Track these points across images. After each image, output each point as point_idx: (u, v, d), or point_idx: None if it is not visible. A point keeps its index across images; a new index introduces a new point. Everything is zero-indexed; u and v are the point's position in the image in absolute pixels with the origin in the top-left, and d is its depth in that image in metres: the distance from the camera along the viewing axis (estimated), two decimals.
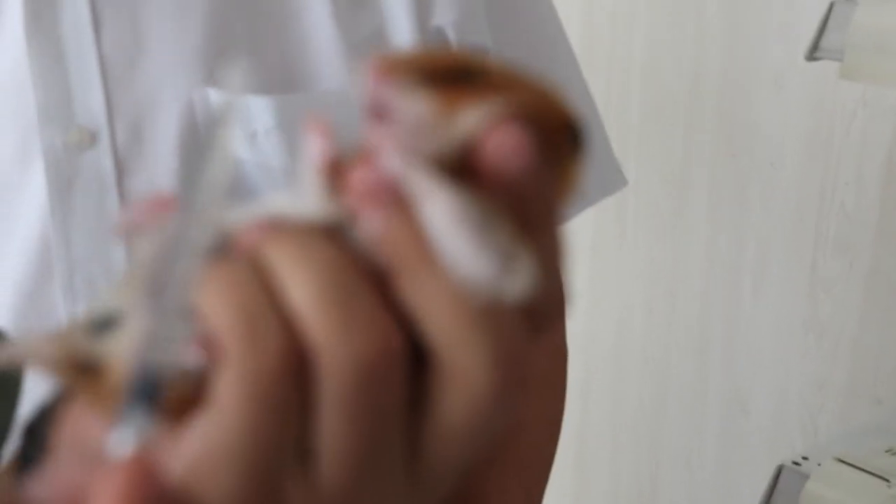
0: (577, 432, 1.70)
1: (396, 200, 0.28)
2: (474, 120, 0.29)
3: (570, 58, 0.78)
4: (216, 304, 0.28)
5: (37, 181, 0.59)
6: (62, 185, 0.59)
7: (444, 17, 0.68)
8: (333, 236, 0.29)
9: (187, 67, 0.62)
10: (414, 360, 0.28)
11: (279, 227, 0.29)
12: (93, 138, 0.60)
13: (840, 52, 0.93)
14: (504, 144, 0.28)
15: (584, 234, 1.63)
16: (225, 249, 0.30)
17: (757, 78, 1.46)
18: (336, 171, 0.29)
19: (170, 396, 0.28)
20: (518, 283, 0.28)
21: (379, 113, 0.29)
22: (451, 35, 0.68)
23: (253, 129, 0.61)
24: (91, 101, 0.61)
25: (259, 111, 0.60)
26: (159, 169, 0.60)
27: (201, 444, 0.28)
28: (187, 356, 0.28)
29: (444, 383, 0.28)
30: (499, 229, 0.28)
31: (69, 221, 0.59)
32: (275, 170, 0.61)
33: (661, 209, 1.58)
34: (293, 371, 0.27)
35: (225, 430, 0.27)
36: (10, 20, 0.60)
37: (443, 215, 0.28)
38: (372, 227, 0.29)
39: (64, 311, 0.59)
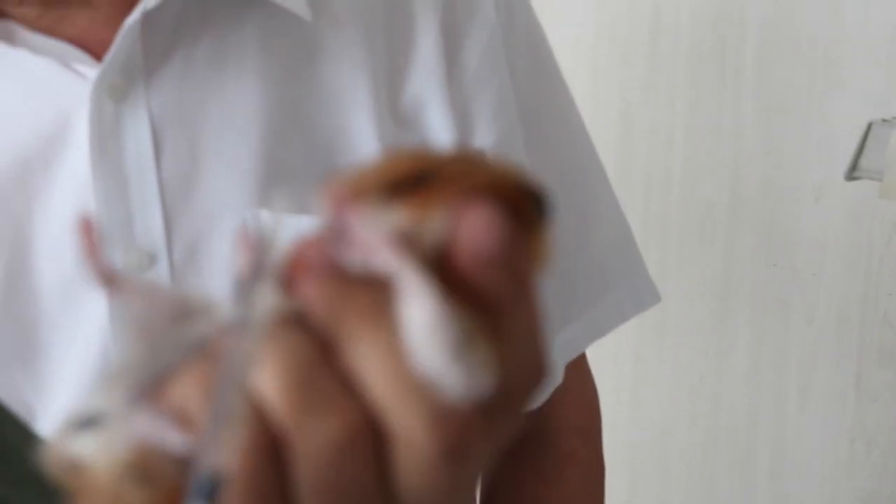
0: None
1: (331, 272, 0.30)
2: (441, 220, 0.29)
3: (602, 179, 0.80)
4: (190, 398, 0.30)
5: (97, 301, 0.61)
6: (122, 306, 0.61)
7: (484, 139, 0.71)
8: (296, 324, 0.30)
9: (242, 190, 0.65)
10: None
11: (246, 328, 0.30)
12: (151, 259, 0.63)
13: (879, 172, 0.94)
14: (476, 228, 0.29)
15: (627, 344, 1.63)
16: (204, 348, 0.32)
17: (796, 191, 1.48)
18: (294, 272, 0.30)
19: (165, 487, 0.30)
20: (476, 388, 0.29)
21: (343, 241, 0.30)
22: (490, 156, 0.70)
23: None
24: (150, 223, 0.63)
25: (308, 229, 0.62)
26: (214, 287, 0.62)
27: None
28: (166, 437, 0.30)
29: (398, 452, 0.30)
30: (477, 342, 0.29)
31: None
32: None
33: (702, 321, 1.58)
34: (266, 456, 0.29)
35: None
36: (76, 147, 0.63)
37: (422, 320, 0.29)
38: (310, 300, 0.30)
39: None
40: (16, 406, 0.56)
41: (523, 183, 0.31)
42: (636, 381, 1.65)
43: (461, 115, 0.70)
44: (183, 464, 0.30)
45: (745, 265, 1.54)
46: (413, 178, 0.30)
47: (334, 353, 0.30)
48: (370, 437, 0.30)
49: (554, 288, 0.75)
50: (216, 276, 0.63)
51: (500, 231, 0.29)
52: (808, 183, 1.47)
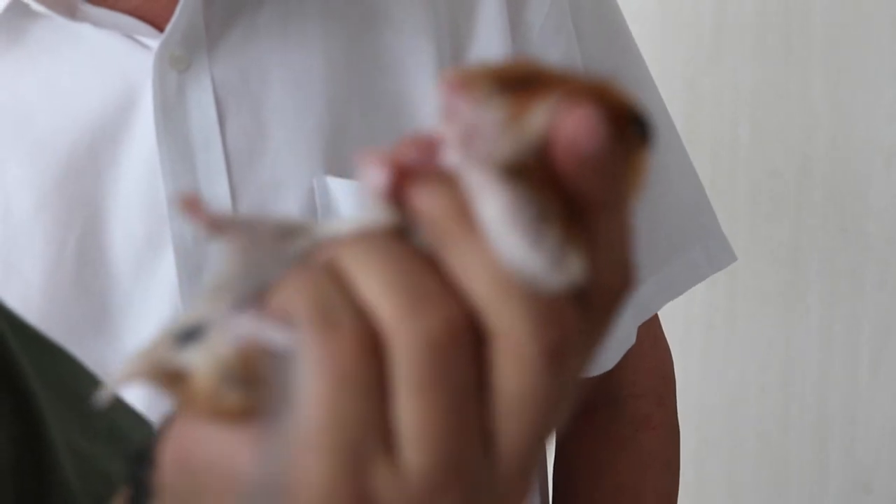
0: None
1: (439, 178, 0.30)
2: (545, 114, 0.30)
3: (674, 138, 0.79)
4: (293, 301, 0.30)
5: (167, 267, 0.62)
6: (192, 272, 0.62)
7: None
8: (397, 237, 0.31)
9: (306, 156, 0.65)
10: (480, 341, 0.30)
11: (349, 238, 0.31)
12: None
13: None
14: (576, 126, 0.29)
15: (697, 312, 1.62)
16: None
17: (866, 156, 1.46)
18: (397, 185, 0.31)
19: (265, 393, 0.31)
20: (565, 277, 0.30)
21: (453, 122, 0.30)
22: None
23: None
24: (217, 190, 0.64)
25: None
26: None
27: (291, 431, 0.29)
28: (271, 339, 0.31)
29: (498, 353, 0.30)
30: (552, 227, 0.29)
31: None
32: None
33: (772, 288, 1.57)
34: (367, 353, 0.29)
35: (311, 413, 0.29)
36: (142, 117, 0.64)
37: (496, 210, 0.29)
38: (416, 203, 0.30)
39: None
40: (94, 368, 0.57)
41: (629, 103, 0.31)
42: (706, 348, 1.64)
43: None
44: (284, 363, 0.30)
45: (815, 232, 1.52)
46: (524, 79, 0.30)
47: (438, 261, 0.30)
48: (471, 337, 0.30)
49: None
50: None
51: (599, 133, 0.29)
52: (878, 147, 1.45)
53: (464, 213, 0.30)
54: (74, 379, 0.50)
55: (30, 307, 0.59)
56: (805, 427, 1.57)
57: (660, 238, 0.77)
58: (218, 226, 0.33)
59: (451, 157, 0.30)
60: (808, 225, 1.53)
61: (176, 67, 0.64)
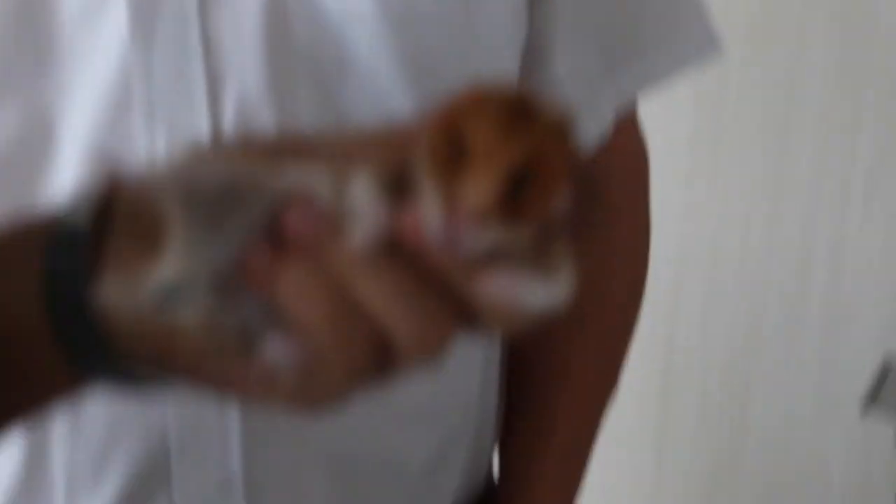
0: (665, 344, 1.64)
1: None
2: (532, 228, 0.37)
3: None
4: (299, 303, 0.35)
5: (118, 10, 0.57)
6: (145, 15, 0.57)
7: None
8: (394, 246, 0.36)
9: None
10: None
11: (330, 224, 0.36)
12: None
13: None
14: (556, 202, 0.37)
15: (680, 135, 1.56)
16: (272, 222, 0.36)
17: None
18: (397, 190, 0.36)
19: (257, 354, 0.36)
20: (559, 297, 0.37)
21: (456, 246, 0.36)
22: None
23: None
24: None
25: None
26: (242, 10, 0.57)
27: (306, 388, 0.37)
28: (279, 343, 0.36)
29: (482, 326, 0.37)
30: (554, 261, 0.37)
31: (150, 53, 0.57)
32: (364, 18, 0.58)
33: (767, 108, 1.50)
34: (377, 355, 0.36)
35: (324, 389, 0.37)
36: None
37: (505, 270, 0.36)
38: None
39: (143, 143, 0.57)
40: (35, 107, 0.56)
41: (563, 119, 0.36)
42: (689, 175, 1.58)
43: None
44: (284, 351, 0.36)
45: (817, 51, 1.46)
46: (514, 184, 0.35)
47: (439, 274, 0.36)
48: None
49: (614, 25, 0.70)
50: (243, 3, 0.57)
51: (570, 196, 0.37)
52: None
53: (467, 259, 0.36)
54: None
55: None
56: (790, 256, 1.53)
57: (646, 20, 0.72)
58: None
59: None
60: (809, 44, 1.46)
61: None
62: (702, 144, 1.57)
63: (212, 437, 0.60)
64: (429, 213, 0.35)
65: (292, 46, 0.57)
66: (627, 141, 0.76)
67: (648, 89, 0.73)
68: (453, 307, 0.36)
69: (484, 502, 0.76)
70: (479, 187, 0.34)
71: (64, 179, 0.57)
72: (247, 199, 0.36)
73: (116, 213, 0.37)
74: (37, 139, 0.57)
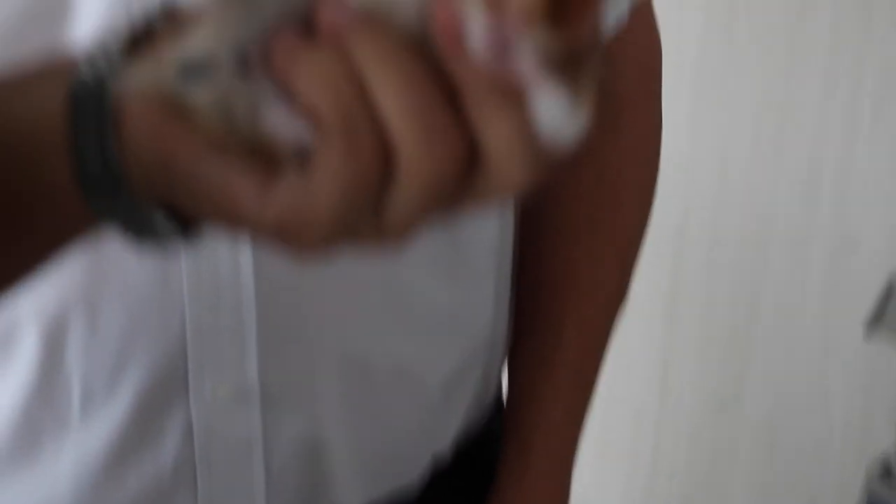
0: (672, 270, 1.64)
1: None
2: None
3: None
4: (315, 89, 0.34)
5: None
6: None
7: None
8: (419, 48, 0.34)
9: None
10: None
11: (366, 20, 0.34)
12: None
13: None
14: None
15: (688, 53, 1.53)
16: (307, 16, 0.34)
17: None
18: None
19: (268, 153, 0.35)
20: (577, 130, 0.34)
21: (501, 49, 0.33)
22: None
23: None
24: None
25: None
26: None
27: (298, 199, 0.35)
28: (292, 128, 0.34)
29: (485, 177, 0.35)
30: (583, 88, 0.34)
31: None
32: None
33: (777, 25, 1.48)
34: (380, 163, 0.34)
35: (321, 198, 0.34)
36: None
37: (549, 105, 0.34)
38: (452, 58, 0.33)
39: None
40: None
41: None
42: (696, 93, 1.56)
43: None
44: (297, 145, 0.35)
45: None
46: None
47: (454, 92, 0.34)
48: (465, 169, 0.35)
49: None
50: None
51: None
52: None
53: (500, 84, 0.33)
54: None
55: None
56: (796, 180, 1.52)
57: None
58: None
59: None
60: None
61: None
62: (710, 61, 1.55)
63: (228, 342, 0.59)
64: (470, 15, 0.32)
65: None
66: (641, 33, 0.74)
67: None
68: (467, 132, 0.35)
69: (494, 420, 0.76)
70: None
71: (85, 32, 0.55)
72: None
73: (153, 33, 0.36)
74: (52, 7, 0.55)
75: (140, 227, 0.38)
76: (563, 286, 0.74)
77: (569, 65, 0.33)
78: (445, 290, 0.67)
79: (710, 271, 1.62)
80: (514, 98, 0.33)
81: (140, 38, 0.37)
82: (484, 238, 0.69)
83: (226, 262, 0.58)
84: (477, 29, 0.32)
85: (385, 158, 0.34)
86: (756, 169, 1.55)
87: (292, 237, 0.36)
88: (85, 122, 0.37)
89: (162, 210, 0.38)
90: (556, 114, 0.34)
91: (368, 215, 0.36)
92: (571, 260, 0.74)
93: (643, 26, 0.74)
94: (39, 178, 0.38)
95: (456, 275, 0.67)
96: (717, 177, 1.58)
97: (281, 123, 0.35)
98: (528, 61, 0.33)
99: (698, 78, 1.55)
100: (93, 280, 0.57)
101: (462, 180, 0.35)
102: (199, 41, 0.35)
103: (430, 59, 0.34)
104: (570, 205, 0.74)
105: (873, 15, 1.40)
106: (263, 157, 0.35)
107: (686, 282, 1.63)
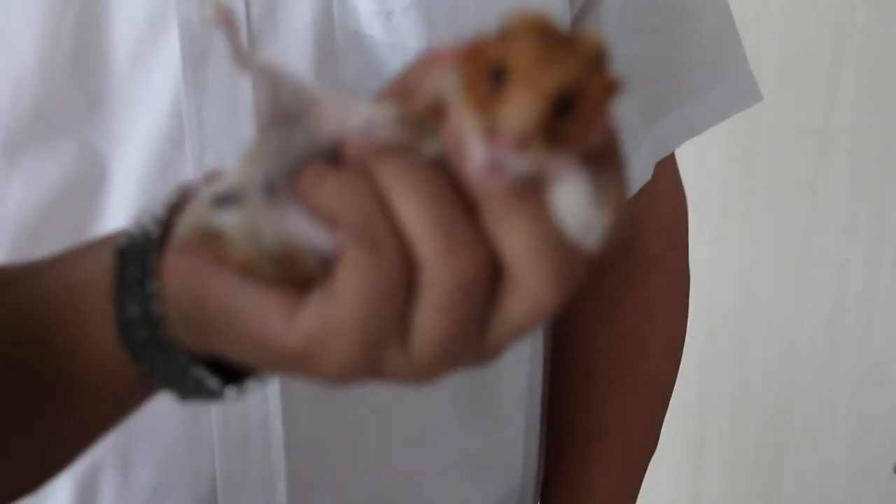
0: (697, 400, 1.63)
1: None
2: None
3: None
4: (337, 202, 0.35)
5: (170, 52, 0.57)
6: (196, 57, 0.57)
7: None
8: (438, 164, 0.35)
9: None
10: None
11: (388, 147, 0.35)
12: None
13: None
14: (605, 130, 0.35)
15: (712, 191, 1.55)
16: (335, 151, 0.36)
17: None
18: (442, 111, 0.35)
19: (297, 272, 0.36)
20: (599, 236, 0.35)
21: (500, 171, 0.34)
22: None
23: (389, 7, 0.58)
24: None
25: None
26: (293, 46, 0.58)
27: (323, 319, 0.35)
28: (315, 239, 0.35)
29: (512, 293, 0.35)
30: (602, 195, 0.34)
31: (201, 95, 0.57)
32: (410, 52, 0.58)
33: (796, 169, 1.50)
34: (402, 276, 0.34)
35: (344, 312, 0.34)
36: None
37: (572, 196, 0.34)
38: (468, 171, 0.34)
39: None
40: (88, 149, 0.57)
41: (598, 43, 0.35)
42: (720, 231, 1.57)
43: None
44: (323, 260, 0.35)
45: (847, 113, 1.45)
46: (556, 108, 0.33)
47: (473, 203, 0.35)
48: (492, 277, 0.35)
49: (650, 78, 0.70)
50: (294, 34, 0.58)
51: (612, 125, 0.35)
52: None
53: (513, 190, 0.34)
54: None
55: (22, 87, 0.56)
56: (819, 318, 1.52)
57: (684, 71, 0.72)
58: (244, 57, 0.37)
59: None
60: (839, 104, 1.45)
61: None
62: (734, 202, 1.56)
63: (258, 489, 0.60)
64: (469, 141, 0.33)
65: (341, 83, 0.58)
66: (665, 188, 0.75)
67: (688, 138, 0.73)
68: (488, 242, 0.34)
69: None
70: (523, 108, 0.33)
71: (115, 222, 0.58)
72: (313, 118, 0.36)
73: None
74: (89, 181, 0.58)
75: (181, 380, 0.39)
76: (592, 435, 0.75)
77: (584, 164, 0.34)
78: (474, 435, 0.67)
79: (735, 413, 1.61)
80: (530, 205, 0.34)
81: (184, 201, 0.39)
82: (513, 384, 0.69)
83: (255, 412, 0.59)
84: (476, 153, 0.33)
85: (408, 269, 0.34)
86: (779, 309, 1.55)
87: (319, 362, 0.35)
88: (128, 269, 0.38)
89: (201, 364, 0.39)
90: (576, 212, 0.34)
91: (394, 337, 0.35)
92: (601, 409, 0.74)
93: (667, 183, 0.75)
94: (84, 336, 0.39)
95: (485, 420, 0.68)
96: (738, 316, 1.58)
97: (306, 238, 0.35)
98: (522, 179, 0.33)
99: (723, 218, 1.57)
100: (125, 433, 0.57)
101: (488, 297, 0.35)
102: (231, 177, 0.37)
103: (448, 174, 0.35)
104: (599, 355, 0.75)
105: (892, 157, 1.42)
106: (290, 278, 0.36)
107: (713, 421, 1.63)
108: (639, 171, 0.71)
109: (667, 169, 0.74)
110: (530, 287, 0.34)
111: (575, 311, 0.75)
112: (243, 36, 0.36)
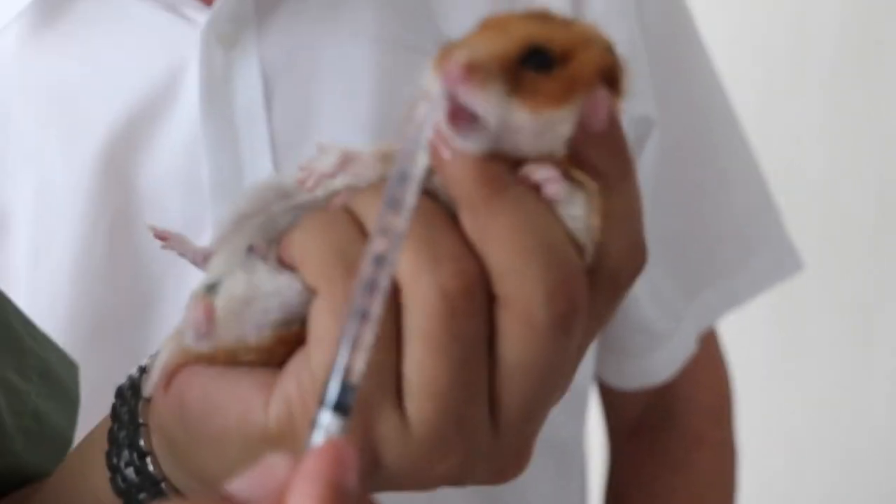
0: None
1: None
2: (567, 121, 0.32)
3: (739, 137, 0.75)
4: (310, 243, 0.33)
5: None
6: None
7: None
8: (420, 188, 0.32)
9: (354, 140, 0.61)
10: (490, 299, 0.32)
11: (367, 187, 0.34)
12: None
13: None
14: (599, 121, 0.32)
15: (754, 354, 1.55)
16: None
17: None
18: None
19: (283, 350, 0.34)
20: (589, 243, 0.33)
21: (461, 116, 0.32)
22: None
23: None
24: (260, 174, 0.60)
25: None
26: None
27: (300, 381, 0.32)
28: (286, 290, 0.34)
29: (507, 318, 0.32)
30: (594, 199, 0.33)
31: None
32: None
33: (842, 332, 1.49)
34: (387, 305, 0.30)
35: (319, 369, 0.32)
36: (185, 95, 0.61)
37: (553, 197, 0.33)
38: (437, 164, 0.32)
39: None
40: (133, 353, 0.56)
41: (615, 57, 0.34)
42: (763, 396, 1.56)
43: None
44: (298, 314, 0.34)
45: (893, 276, 1.45)
46: (526, 54, 0.32)
47: (455, 219, 0.32)
48: (482, 297, 0.32)
49: (689, 252, 0.71)
50: None
51: (609, 112, 0.32)
52: None
53: (488, 178, 0.32)
54: (7, 315, 0.48)
55: (59, 296, 0.57)
56: (867, 482, 1.48)
57: (723, 244, 0.73)
58: (202, 254, 0.39)
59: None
60: (886, 268, 1.45)
61: (223, 44, 0.61)
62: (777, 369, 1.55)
63: None
64: (429, 88, 0.32)
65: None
66: (708, 363, 0.75)
67: (729, 311, 0.73)
68: (470, 257, 0.32)
69: None
70: (479, 41, 0.32)
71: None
72: (292, 194, 0.37)
73: None
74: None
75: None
76: None
77: (579, 167, 0.33)
78: None
79: None
80: (511, 208, 0.32)
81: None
82: None
83: None
84: (436, 103, 0.32)
85: (392, 299, 0.31)
86: (826, 473, 1.53)
87: (301, 436, 0.31)
88: (121, 407, 0.39)
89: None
90: (566, 215, 0.32)
91: (385, 393, 0.32)
92: None
93: (710, 359, 0.76)
94: (89, 483, 0.40)
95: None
96: (785, 470, 1.56)
97: (276, 291, 0.34)
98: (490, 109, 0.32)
99: (767, 379, 1.56)
100: None
101: (480, 315, 0.32)
102: (214, 269, 0.37)
103: (427, 194, 0.33)
104: None
105: None
106: (275, 359, 0.34)
107: None
108: (682, 345, 0.71)
109: (709, 342, 0.75)
110: (520, 299, 0.31)
111: (620, 491, 0.75)
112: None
